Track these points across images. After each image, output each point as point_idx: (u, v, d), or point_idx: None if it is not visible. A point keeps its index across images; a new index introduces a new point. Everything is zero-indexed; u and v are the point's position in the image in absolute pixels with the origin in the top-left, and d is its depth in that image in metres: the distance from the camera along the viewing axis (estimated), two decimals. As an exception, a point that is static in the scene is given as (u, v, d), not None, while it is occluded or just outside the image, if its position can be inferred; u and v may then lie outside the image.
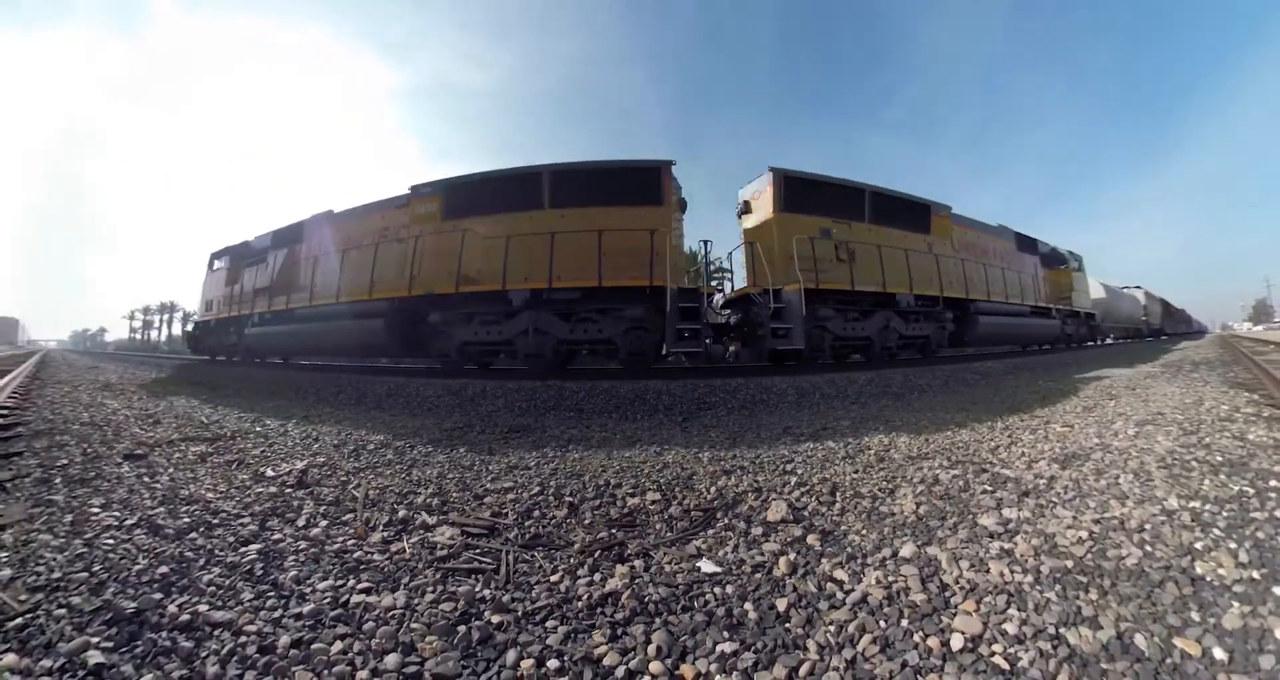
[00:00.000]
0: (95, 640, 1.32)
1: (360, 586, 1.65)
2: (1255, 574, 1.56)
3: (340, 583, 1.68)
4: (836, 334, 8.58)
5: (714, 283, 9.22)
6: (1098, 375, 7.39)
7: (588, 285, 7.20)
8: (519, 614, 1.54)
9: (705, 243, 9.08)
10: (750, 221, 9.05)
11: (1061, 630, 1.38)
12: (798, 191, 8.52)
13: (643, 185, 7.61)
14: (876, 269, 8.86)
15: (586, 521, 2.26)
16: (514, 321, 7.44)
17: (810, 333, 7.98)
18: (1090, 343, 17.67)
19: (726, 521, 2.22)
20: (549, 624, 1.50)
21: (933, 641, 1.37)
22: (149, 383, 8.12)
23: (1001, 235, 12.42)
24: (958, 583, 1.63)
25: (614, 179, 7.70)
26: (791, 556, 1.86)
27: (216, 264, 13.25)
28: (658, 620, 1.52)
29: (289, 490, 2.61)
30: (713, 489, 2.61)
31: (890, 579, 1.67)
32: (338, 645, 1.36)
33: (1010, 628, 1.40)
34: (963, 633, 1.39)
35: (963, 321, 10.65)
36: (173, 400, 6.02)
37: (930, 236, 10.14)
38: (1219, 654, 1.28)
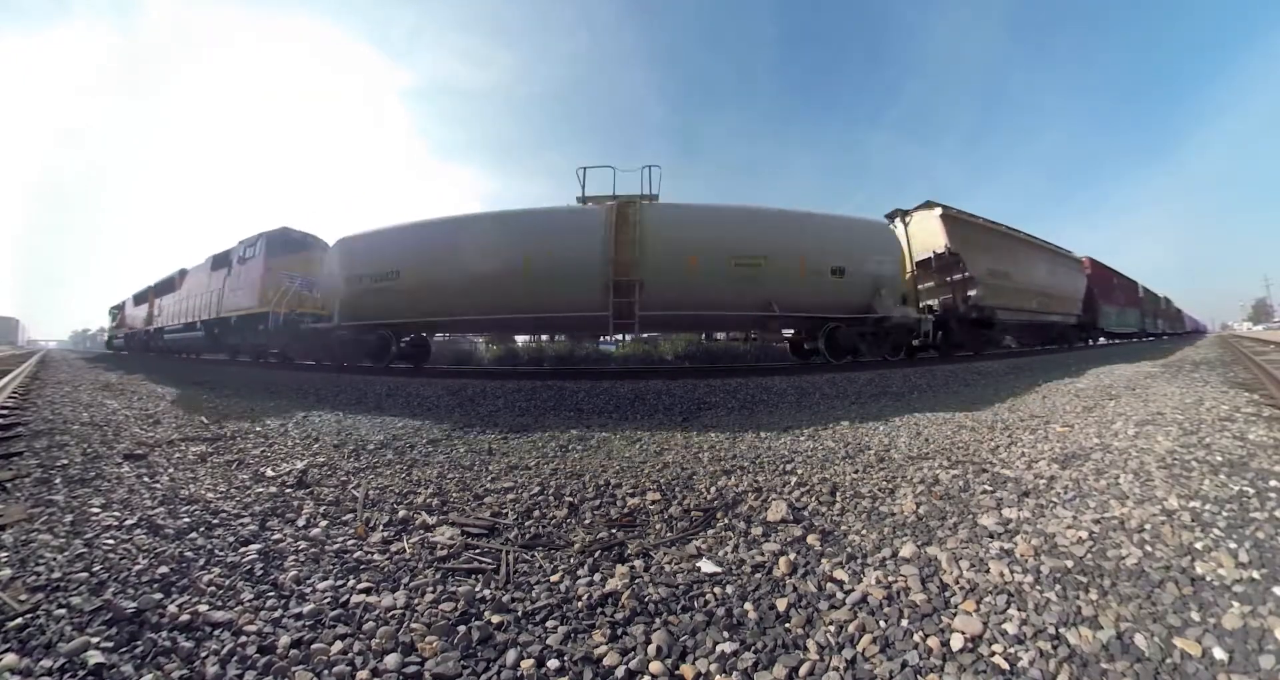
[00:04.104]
0: (95, 640, 1.32)
1: (360, 586, 1.65)
2: (1255, 574, 1.56)
3: (340, 583, 1.68)
4: None
5: None
6: (1097, 375, 7.38)
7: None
8: (519, 614, 1.54)
9: None
10: None
11: (1061, 630, 1.38)
12: None
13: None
14: None
15: (586, 521, 2.26)
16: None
17: None
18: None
19: (726, 521, 2.22)
20: (549, 624, 1.50)
21: (933, 641, 1.37)
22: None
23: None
24: (958, 583, 1.63)
25: None
26: (791, 556, 1.86)
27: (110, 310, 25.31)
28: (658, 620, 1.52)
29: (289, 490, 2.61)
30: (713, 489, 2.60)
31: (890, 579, 1.67)
32: (338, 645, 1.36)
33: (1010, 628, 1.40)
34: (963, 633, 1.39)
35: None
36: (173, 401, 6.01)
37: None
38: (1219, 654, 1.28)
